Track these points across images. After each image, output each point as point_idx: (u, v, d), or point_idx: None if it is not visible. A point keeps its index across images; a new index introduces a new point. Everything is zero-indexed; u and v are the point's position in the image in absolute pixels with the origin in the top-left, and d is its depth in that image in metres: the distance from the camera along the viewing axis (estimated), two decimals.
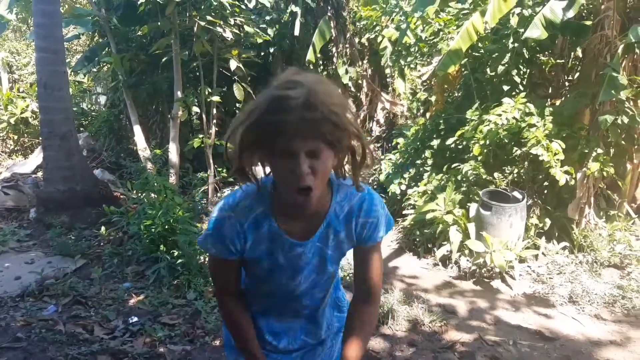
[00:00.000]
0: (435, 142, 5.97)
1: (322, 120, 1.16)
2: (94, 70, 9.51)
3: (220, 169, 7.54)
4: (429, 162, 5.97)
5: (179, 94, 6.92)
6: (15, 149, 9.87)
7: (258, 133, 1.20)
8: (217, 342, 3.55)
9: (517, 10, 5.30)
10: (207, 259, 4.77)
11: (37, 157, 8.65)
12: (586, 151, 4.89)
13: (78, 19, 8.29)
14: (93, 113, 11.06)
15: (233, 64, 6.89)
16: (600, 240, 4.82)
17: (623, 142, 4.98)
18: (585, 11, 5.46)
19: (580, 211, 5.02)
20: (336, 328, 1.67)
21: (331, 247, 1.43)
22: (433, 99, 6.91)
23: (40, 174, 8.00)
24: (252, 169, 1.31)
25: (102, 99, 12.07)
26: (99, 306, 4.16)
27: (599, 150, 4.83)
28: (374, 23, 8.04)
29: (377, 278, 1.49)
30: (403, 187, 6.12)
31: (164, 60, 6.99)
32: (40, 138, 6.96)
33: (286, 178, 1.22)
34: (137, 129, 7.73)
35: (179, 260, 4.54)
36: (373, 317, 1.53)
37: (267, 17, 8.32)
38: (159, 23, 6.51)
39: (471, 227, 4.89)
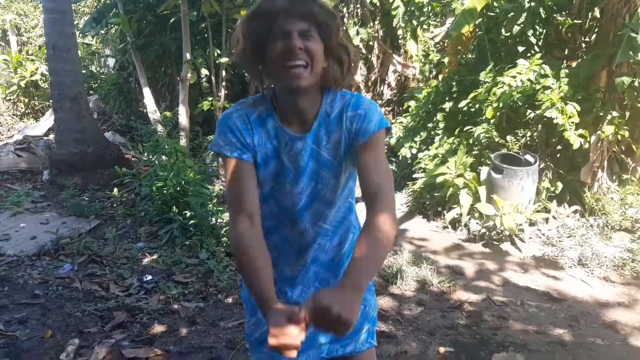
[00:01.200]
0: (447, 105, 5.90)
1: (312, 1, 1.30)
2: (102, 32, 9.45)
3: None
4: (441, 125, 5.91)
5: (188, 55, 6.86)
6: (27, 112, 9.91)
7: (255, 23, 1.32)
8: (230, 300, 3.63)
9: None
10: (218, 221, 4.85)
11: (48, 120, 8.69)
12: (601, 114, 4.81)
13: None
14: (102, 76, 11.04)
15: None
16: (612, 204, 4.80)
17: (639, 105, 4.89)
18: None
19: (592, 175, 4.98)
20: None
21: (325, 149, 1.42)
22: (446, 60, 6.78)
23: (52, 136, 8.06)
24: (257, 68, 1.39)
25: (111, 62, 12.02)
26: (114, 265, 4.25)
27: (614, 113, 4.76)
28: None
29: (382, 178, 1.34)
30: (414, 151, 6.09)
31: (172, 21, 6.91)
32: (51, 100, 6.98)
33: (282, 57, 1.29)
34: (147, 92, 7.71)
35: (192, 221, 4.60)
36: (386, 224, 1.26)
37: None
38: None
39: (482, 190, 4.89)
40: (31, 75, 9.59)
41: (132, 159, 7.21)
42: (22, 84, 9.55)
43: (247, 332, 1.65)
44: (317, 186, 1.45)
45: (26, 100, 9.83)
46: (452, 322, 3.29)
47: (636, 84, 4.61)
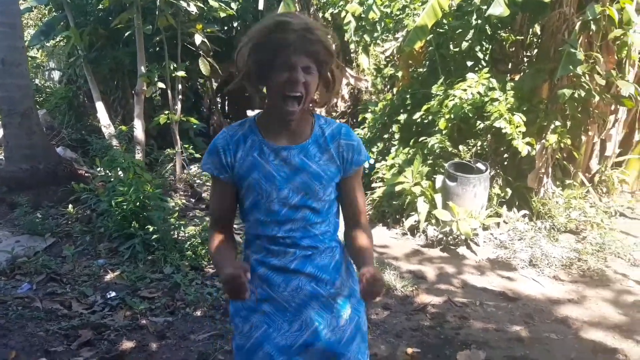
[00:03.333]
0: (402, 117, 6.13)
1: (318, 42, 1.43)
2: (48, 45, 9.18)
3: (187, 145, 7.51)
4: (397, 136, 6.13)
5: (143, 69, 6.79)
6: None
7: (262, 50, 1.44)
8: (199, 313, 3.63)
9: None
10: (180, 235, 4.83)
11: None
12: (545, 124, 5.15)
13: None
14: (47, 90, 10.68)
15: (198, 39, 6.82)
16: (557, 207, 5.12)
17: (579, 115, 5.28)
18: None
19: (539, 181, 5.31)
20: (347, 291, 1.66)
21: (316, 163, 1.55)
22: (399, 74, 7.04)
23: None
24: (255, 86, 1.54)
25: (56, 75, 11.66)
26: (75, 283, 4.14)
27: (557, 123, 5.10)
28: None
29: (363, 206, 1.66)
30: (372, 162, 6.27)
31: (126, 35, 6.83)
32: (1, 116, 6.73)
33: (283, 86, 1.43)
34: (100, 105, 7.56)
35: (154, 236, 4.56)
36: (371, 239, 1.64)
37: None
38: None
39: (438, 197, 5.10)
40: None
41: (86, 174, 7.01)
42: None
43: (238, 344, 1.64)
44: (305, 195, 1.55)
45: None
46: (417, 324, 3.43)
47: (576, 95, 4.96)
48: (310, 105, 1.57)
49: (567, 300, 3.81)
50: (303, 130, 1.57)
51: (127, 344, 3.23)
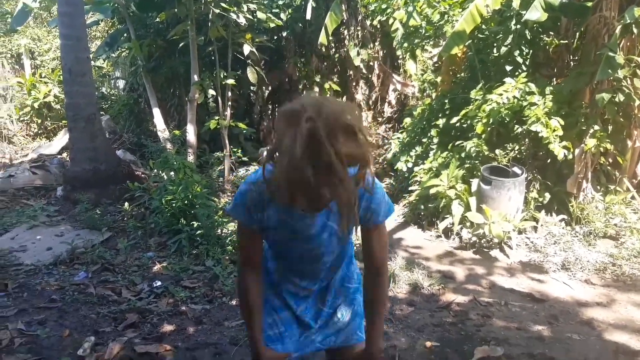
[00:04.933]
0: (440, 122, 6.20)
1: (338, 171, 1.26)
2: (113, 55, 9.88)
3: (235, 150, 7.88)
4: (435, 140, 6.21)
5: (196, 77, 7.23)
6: (39, 132, 10.31)
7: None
8: (234, 302, 3.90)
9: None
10: (223, 231, 5.14)
11: (61, 139, 9.08)
12: (584, 128, 5.09)
13: (97, 6, 8.62)
14: (112, 97, 11.45)
15: (247, 49, 7.17)
16: (596, 212, 5.04)
17: (621, 119, 5.18)
18: None
19: (578, 185, 5.24)
20: (342, 299, 1.91)
21: (335, 222, 1.63)
22: (439, 79, 7.10)
23: (65, 154, 8.43)
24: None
25: (121, 83, 12.44)
26: (126, 272, 4.53)
27: (596, 127, 5.03)
28: (385, 5, 8.20)
29: (381, 253, 1.72)
30: (410, 165, 6.38)
31: (181, 45, 7.29)
32: (66, 121, 7.34)
33: (308, 203, 1.38)
34: (157, 112, 8.08)
35: (199, 232, 4.89)
36: (384, 287, 1.76)
37: (280, 2, 8.55)
38: (176, 10, 6.79)
39: (472, 200, 5.15)
40: (44, 97, 10.01)
41: (142, 175, 7.53)
42: (36, 105, 9.97)
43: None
44: (329, 247, 1.70)
45: (39, 121, 10.23)
46: (439, 321, 3.54)
47: (616, 99, 4.89)
48: None
49: (595, 304, 3.79)
50: None
51: (168, 327, 3.53)
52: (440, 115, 6.25)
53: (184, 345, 3.29)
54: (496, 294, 4.01)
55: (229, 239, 4.90)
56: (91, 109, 6.53)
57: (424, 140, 6.37)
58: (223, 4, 6.73)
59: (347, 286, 1.91)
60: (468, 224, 5.12)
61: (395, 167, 6.61)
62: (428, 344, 3.20)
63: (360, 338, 1.89)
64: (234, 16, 6.88)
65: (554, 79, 6.24)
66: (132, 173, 7.20)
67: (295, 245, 1.69)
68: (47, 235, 5.48)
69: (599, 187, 5.46)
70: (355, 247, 2.01)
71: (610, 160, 5.58)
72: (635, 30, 4.84)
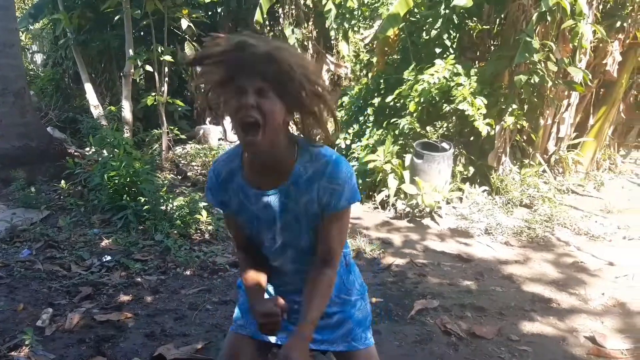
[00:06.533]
0: (376, 101, 6.56)
1: (278, 62, 1.29)
2: (35, 27, 9.39)
3: (172, 127, 7.86)
4: (371, 118, 6.57)
5: (131, 52, 7.10)
6: None
7: (215, 72, 1.35)
8: (188, 272, 4.05)
9: None
10: (169, 207, 5.22)
11: None
12: (503, 107, 5.64)
13: None
14: (30, 72, 10.87)
15: (184, 23, 7.14)
16: (513, 184, 5.63)
17: (535, 100, 5.77)
18: None
19: (498, 159, 5.82)
20: (337, 314, 1.68)
21: (296, 204, 1.49)
22: (374, 60, 7.46)
23: None
24: (218, 109, 1.44)
25: (38, 58, 11.82)
26: (72, 249, 4.50)
27: (514, 106, 5.59)
28: None
29: (335, 245, 1.52)
30: (348, 142, 6.72)
31: (116, 18, 7.12)
32: None
33: (237, 112, 1.31)
34: (89, 87, 7.85)
35: (145, 207, 4.94)
36: (331, 282, 1.53)
37: None
38: None
39: (406, 174, 5.57)
40: None
41: (75, 153, 7.34)
42: None
43: (240, 308, 1.79)
44: (290, 235, 1.55)
45: None
46: (382, 280, 3.90)
47: (532, 81, 5.44)
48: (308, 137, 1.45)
49: (514, 262, 4.32)
50: (284, 167, 1.46)
51: (124, 297, 3.63)
52: (375, 95, 6.60)
53: (144, 312, 3.41)
54: (430, 256, 4.46)
55: (176, 213, 4.99)
56: (21, 83, 6.30)
57: (361, 118, 6.71)
58: None
59: (345, 298, 1.70)
60: (402, 195, 5.54)
61: (333, 145, 6.92)
62: (374, 300, 3.53)
63: (366, 344, 1.70)
64: None
65: (477, 61, 6.77)
66: (65, 151, 7.01)
67: (261, 234, 1.57)
68: None
69: (515, 162, 6.08)
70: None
71: (525, 137, 6.21)
72: (549, 18, 5.40)
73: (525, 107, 5.81)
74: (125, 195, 5.15)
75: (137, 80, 8.43)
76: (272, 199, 1.48)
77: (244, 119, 1.31)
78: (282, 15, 9.40)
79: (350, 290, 1.71)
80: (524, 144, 6.19)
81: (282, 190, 1.47)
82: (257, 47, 1.29)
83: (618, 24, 5.94)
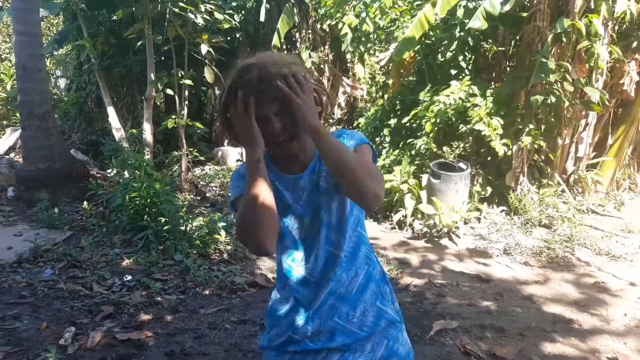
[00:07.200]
0: (392, 122, 6.62)
1: (276, 87, 1.37)
2: (59, 52, 9.69)
3: (190, 149, 7.99)
4: (387, 139, 6.62)
5: (152, 76, 7.29)
6: None
7: (233, 103, 1.42)
8: (207, 292, 4.09)
9: (464, 2, 5.98)
10: (189, 227, 5.29)
11: (7, 139, 8.83)
12: (520, 127, 5.64)
13: (44, 2, 8.46)
14: (54, 96, 11.17)
15: (204, 48, 7.32)
16: (532, 203, 5.60)
17: (552, 119, 5.77)
18: (521, 4, 6.18)
19: (515, 179, 5.80)
20: (378, 323, 1.56)
21: (323, 178, 1.53)
22: (390, 82, 7.54)
23: (13, 154, 8.23)
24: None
25: (61, 83, 12.15)
26: (94, 268, 4.59)
27: (531, 126, 5.60)
28: (336, 9, 8.56)
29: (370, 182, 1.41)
30: None
31: (139, 44, 7.33)
32: (7, 121, 7.19)
33: (267, 138, 1.42)
34: (111, 110, 8.05)
35: (165, 227, 5.02)
36: (371, 166, 1.48)
37: (234, 3, 8.73)
38: (133, 8, 6.85)
39: (423, 194, 5.59)
40: None
41: (97, 174, 7.50)
42: None
43: (267, 338, 1.64)
44: (322, 214, 1.54)
45: None
46: (400, 300, 3.79)
47: (548, 101, 5.46)
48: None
49: (533, 282, 4.29)
50: (307, 151, 1.55)
51: (145, 317, 3.69)
52: (392, 116, 6.66)
53: (164, 332, 3.46)
54: (448, 276, 4.44)
55: (196, 233, 5.06)
56: (45, 107, 6.47)
57: (377, 139, 6.77)
58: (181, 3, 6.85)
59: (381, 307, 1.56)
60: (419, 215, 5.54)
61: None
62: None
63: None
64: (191, 16, 7.01)
65: (493, 82, 6.81)
66: (87, 173, 7.16)
67: (296, 219, 1.55)
68: (5, 235, 5.42)
69: (533, 181, 6.05)
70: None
71: (543, 157, 6.19)
72: (564, 39, 5.43)
73: (543, 127, 5.81)
74: (145, 216, 5.24)
75: (158, 104, 8.63)
76: (305, 180, 1.55)
77: (276, 141, 1.45)
78: (299, 40, 9.57)
79: (384, 299, 1.59)
80: (542, 163, 6.17)
81: (311, 168, 1.54)
82: (255, 72, 1.38)
83: (635, 44, 5.93)
